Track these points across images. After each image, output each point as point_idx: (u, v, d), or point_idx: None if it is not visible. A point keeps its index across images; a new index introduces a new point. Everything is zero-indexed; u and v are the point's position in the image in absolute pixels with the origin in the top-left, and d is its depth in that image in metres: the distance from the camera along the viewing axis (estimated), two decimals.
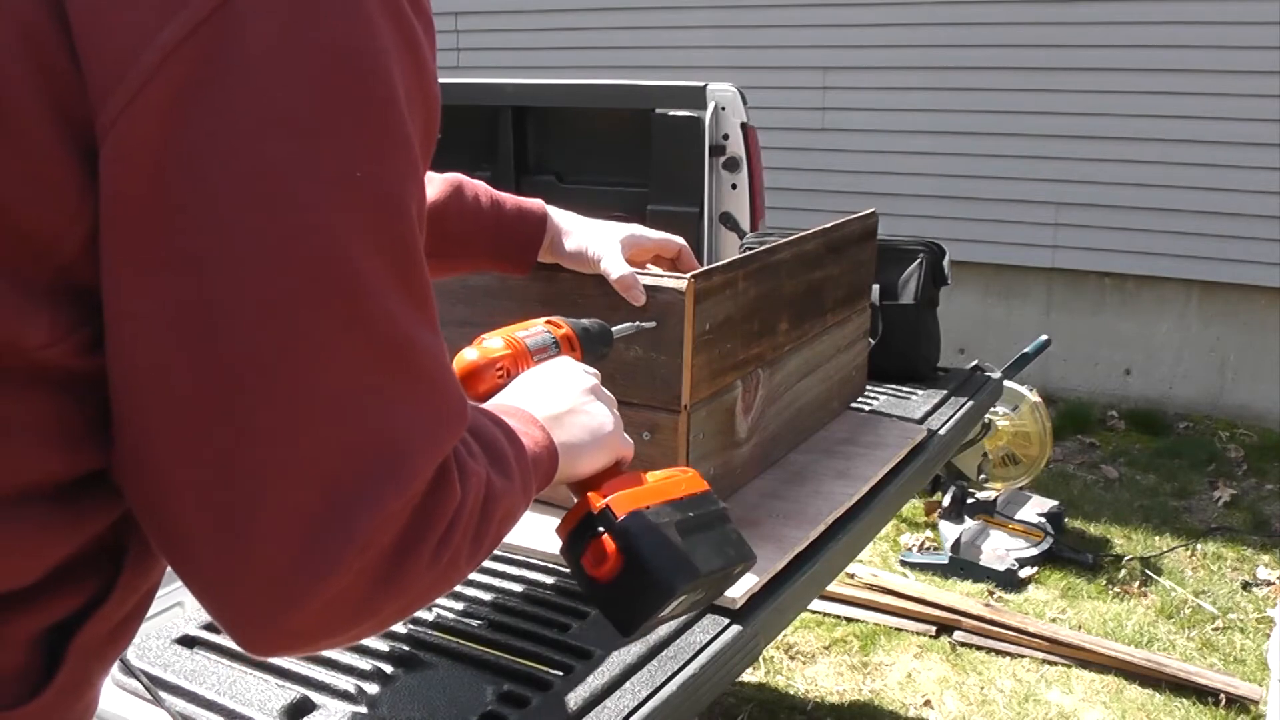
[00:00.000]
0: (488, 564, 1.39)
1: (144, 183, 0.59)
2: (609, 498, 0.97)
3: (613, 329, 1.27)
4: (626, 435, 1.07)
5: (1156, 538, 3.80)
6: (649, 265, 1.51)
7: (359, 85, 0.63)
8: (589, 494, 0.98)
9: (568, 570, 1.38)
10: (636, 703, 1.12)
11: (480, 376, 1.07)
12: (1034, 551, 3.55)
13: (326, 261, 0.62)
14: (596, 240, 1.43)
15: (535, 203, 1.45)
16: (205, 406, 0.61)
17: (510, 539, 1.43)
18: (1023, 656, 3.02)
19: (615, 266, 1.40)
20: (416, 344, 0.66)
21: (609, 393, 1.08)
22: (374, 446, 0.64)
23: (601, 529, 0.95)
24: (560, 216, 1.47)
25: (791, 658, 3.06)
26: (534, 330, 1.14)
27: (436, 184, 1.35)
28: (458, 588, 1.32)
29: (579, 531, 0.97)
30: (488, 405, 0.99)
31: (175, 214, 0.59)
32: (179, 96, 0.58)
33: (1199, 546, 3.73)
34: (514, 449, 0.84)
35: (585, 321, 1.23)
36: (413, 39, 0.68)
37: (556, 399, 1.02)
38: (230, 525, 0.62)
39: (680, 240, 1.53)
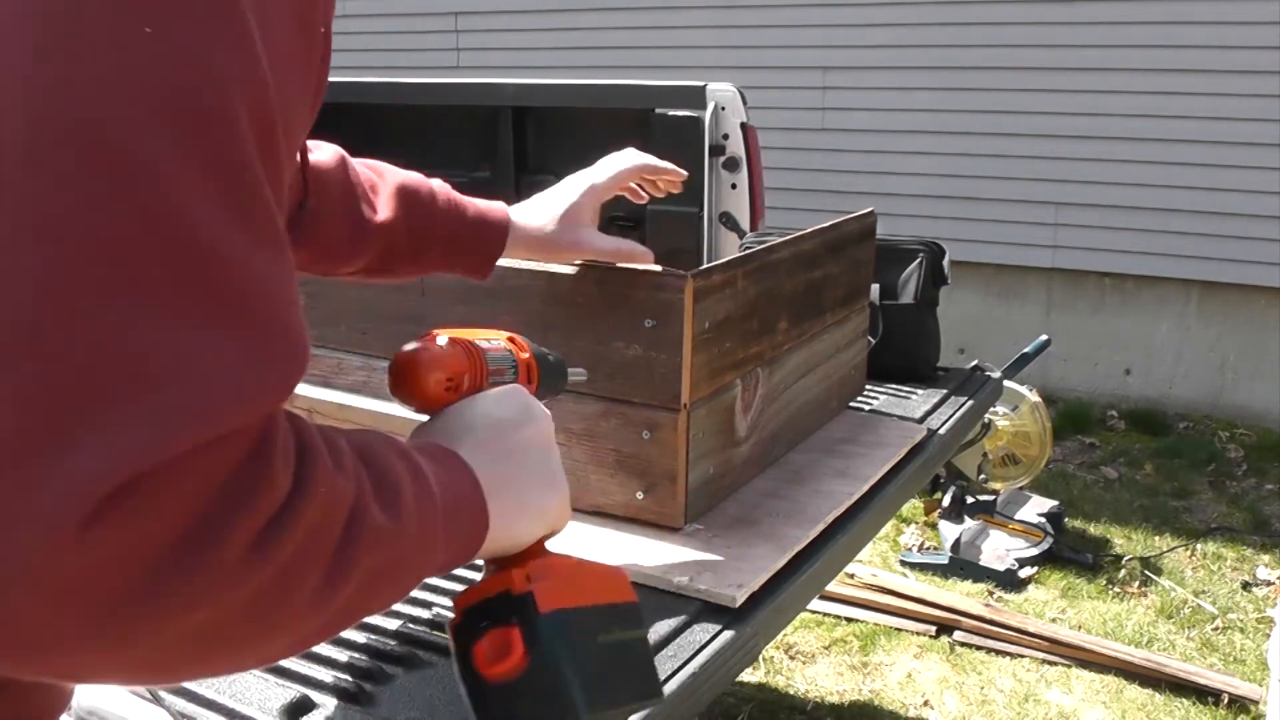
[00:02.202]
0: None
1: None
2: (536, 583, 0.78)
3: (567, 365, 1.11)
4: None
5: (1156, 538, 3.80)
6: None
7: None
8: (512, 569, 0.79)
9: None
10: None
11: (419, 380, 0.86)
12: (1034, 551, 3.54)
13: (125, 156, 0.47)
14: (564, 228, 1.38)
15: (497, 209, 1.36)
16: None
17: None
18: (1023, 656, 3.02)
19: (602, 243, 1.38)
20: (244, 283, 0.50)
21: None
22: (128, 368, 0.46)
23: (515, 619, 0.76)
24: (523, 214, 1.38)
25: (791, 658, 3.06)
26: (495, 344, 0.95)
27: (385, 196, 1.25)
28: (458, 586, 1.32)
29: (483, 611, 0.78)
30: (417, 438, 0.83)
31: None
32: None
33: (1199, 546, 3.73)
34: (416, 490, 0.67)
35: (547, 351, 1.06)
36: None
37: (505, 446, 0.82)
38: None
39: (630, 181, 1.55)
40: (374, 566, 0.61)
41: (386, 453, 0.67)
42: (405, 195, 1.27)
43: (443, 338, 0.90)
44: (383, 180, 1.27)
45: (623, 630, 0.83)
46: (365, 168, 1.28)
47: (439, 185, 1.31)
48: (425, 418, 0.88)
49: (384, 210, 1.25)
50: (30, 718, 0.66)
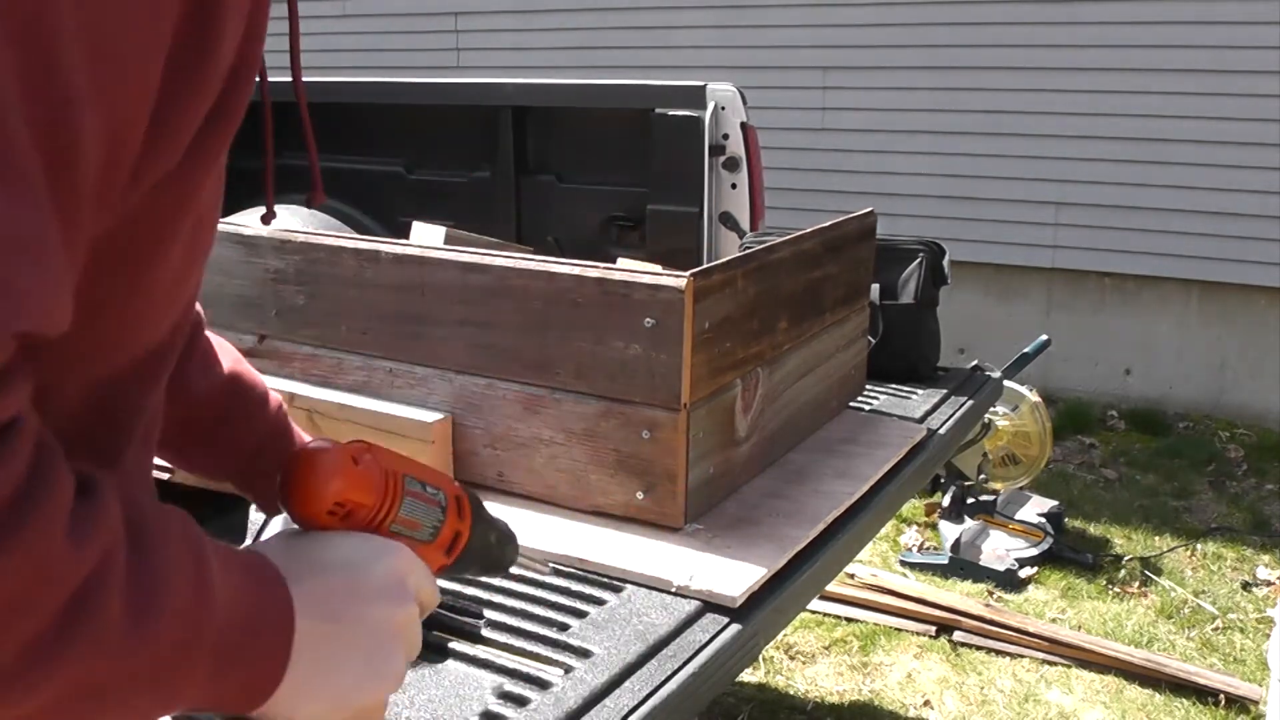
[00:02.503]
0: None
1: None
2: None
3: (519, 553, 0.93)
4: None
5: (1156, 538, 3.79)
6: (645, 263, 1.49)
7: None
8: None
9: (568, 570, 1.38)
10: (636, 702, 1.12)
11: (308, 487, 0.69)
12: (1034, 551, 3.54)
13: None
14: None
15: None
16: None
17: None
18: (1023, 656, 3.02)
19: None
20: None
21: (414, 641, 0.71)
22: None
23: None
24: None
25: (791, 658, 3.06)
26: (429, 492, 0.76)
27: (216, 380, 0.98)
28: (458, 585, 1.32)
29: None
30: (254, 545, 0.69)
31: None
32: None
33: (1199, 546, 3.73)
34: (189, 597, 0.54)
35: (500, 525, 0.89)
36: None
37: (352, 611, 0.65)
38: None
39: None
40: (84, 679, 0.49)
41: (171, 538, 0.55)
42: (236, 377, 1.00)
43: (368, 455, 0.72)
44: (222, 350, 1.01)
45: None
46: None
47: (275, 396, 1.03)
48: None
49: (211, 380, 0.98)
50: None
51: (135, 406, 0.67)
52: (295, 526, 0.70)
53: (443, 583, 1.32)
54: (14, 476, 0.45)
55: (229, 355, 1.01)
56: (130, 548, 0.51)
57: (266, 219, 0.93)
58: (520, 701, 1.10)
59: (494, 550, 0.87)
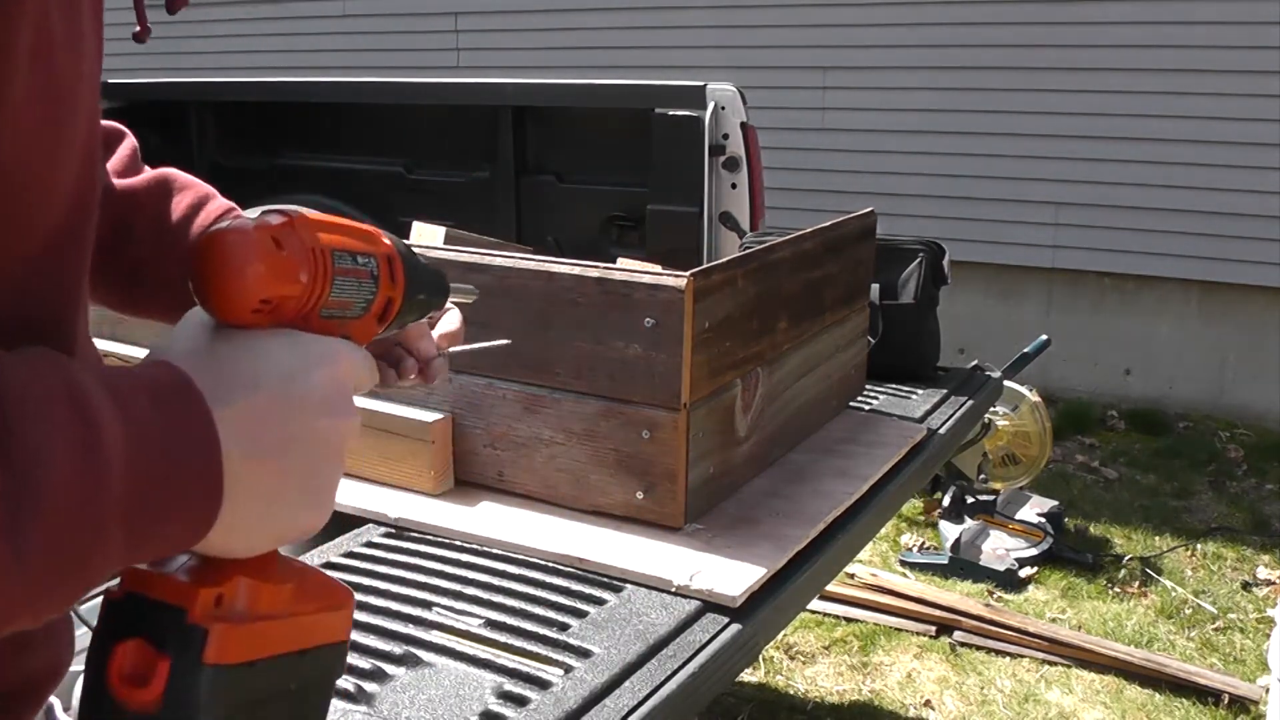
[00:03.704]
0: (488, 563, 1.39)
1: None
2: (218, 622, 0.56)
3: (451, 291, 0.82)
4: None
5: (1156, 538, 3.79)
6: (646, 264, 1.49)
7: None
8: (201, 585, 0.56)
9: (568, 570, 1.39)
10: (636, 702, 1.12)
11: (230, 281, 0.57)
12: (1034, 551, 3.54)
13: None
14: None
15: None
16: None
17: (510, 538, 1.44)
18: (1023, 656, 3.02)
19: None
20: None
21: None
22: None
23: (171, 650, 0.55)
24: None
25: (791, 658, 3.06)
26: (357, 255, 0.65)
27: (142, 176, 0.91)
28: (457, 586, 1.32)
29: (146, 609, 0.56)
30: (162, 356, 0.56)
31: None
32: None
33: (1199, 546, 3.73)
34: (82, 469, 0.45)
35: (426, 261, 0.76)
36: None
37: (288, 431, 0.56)
38: None
39: None
40: None
41: (33, 399, 0.45)
42: (169, 180, 0.91)
43: (290, 231, 0.59)
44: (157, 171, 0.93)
45: (304, 681, 0.63)
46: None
47: (224, 202, 0.93)
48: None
49: (137, 179, 0.90)
50: (37, 672, 0.61)
51: (60, 296, 0.59)
52: (209, 320, 0.58)
53: (442, 583, 1.32)
54: None
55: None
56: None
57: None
58: (520, 701, 1.10)
59: (426, 304, 0.76)
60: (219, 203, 0.90)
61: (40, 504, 0.43)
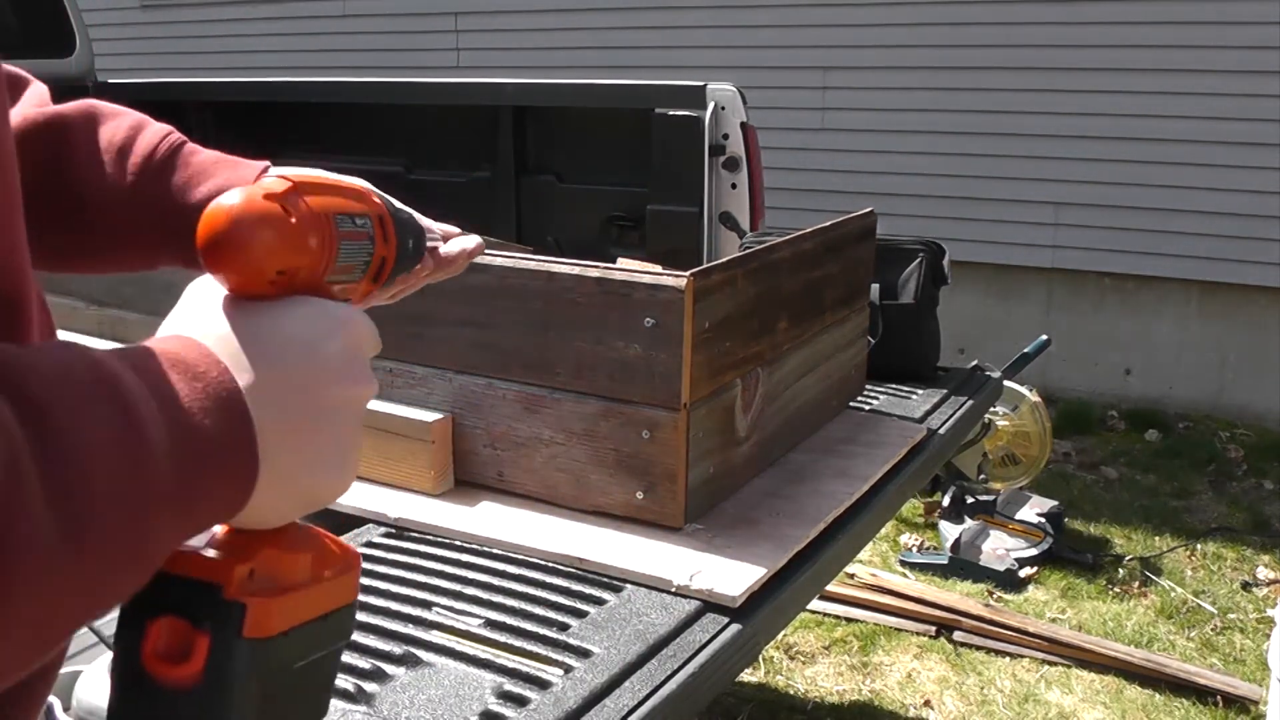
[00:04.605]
0: (488, 563, 1.39)
1: None
2: (253, 596, 0.56)
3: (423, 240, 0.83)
4: None
5: (1156, 538, 3.79)
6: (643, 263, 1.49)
7: None
8: (235, 559, 0.57)
9: (568, 570, 1.38)
10: (636, 702, 1.12)
11: (246, 256, 0.57)
12: (1034, 551, 3.54)
13: None
14: None
15: (253, 163, 0.89)
16: None
17: (510, 538, 1.44)
18: (1023, 656, 3.02)
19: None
20: None
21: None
22: None
23: (209, 625, 0.56)
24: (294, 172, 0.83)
25: (791, 658, 3.06)
26: (355, 217, 0.65)
27: (70, 105, 0.85)
28: (457, 586, 1.32)
29: (165, 598, 0.56)
30: (178, 332, 0.55)
31: None
32: None
33: (1199, 546, 3.73)
34: (129, 463, 0.45)
35: (408, 219, 0.78)
36: None
37: (312, 400, 0.56)
38: None
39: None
40: (34, 610, 0.42)
41: (78, 399, 0.45)
42: (98, 107, 0.87)
43: (298, 198, 0.59)
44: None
45: (323, 648, 0.64)
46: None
47: (164, 126, 0.88)
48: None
49: (63, 106, 0.85)
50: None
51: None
52: (221, 291, 0.58)
53: (442, 583, 1.32)
54: None
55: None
56: (32, 441, 0.42)
57: None
58: (520, 701, 1.10)
59: (413, 259, 0.77)
60: (157, 126, 0.86)
61: (94, 503, 0.43)
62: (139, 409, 0.46)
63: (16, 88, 0.84)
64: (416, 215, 0.82)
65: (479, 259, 1.42)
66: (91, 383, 0.46)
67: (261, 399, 0.53)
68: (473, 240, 0.91)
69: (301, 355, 0.56)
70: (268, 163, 0.88)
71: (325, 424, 0.57)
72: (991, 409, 3.24)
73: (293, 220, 0.59)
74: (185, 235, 0.70)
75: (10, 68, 0.75)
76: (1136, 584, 3.45)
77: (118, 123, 0.85)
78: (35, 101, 0.84)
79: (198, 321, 0.56)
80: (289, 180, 0.60)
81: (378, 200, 0.69)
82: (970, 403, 2.17)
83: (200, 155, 0.85)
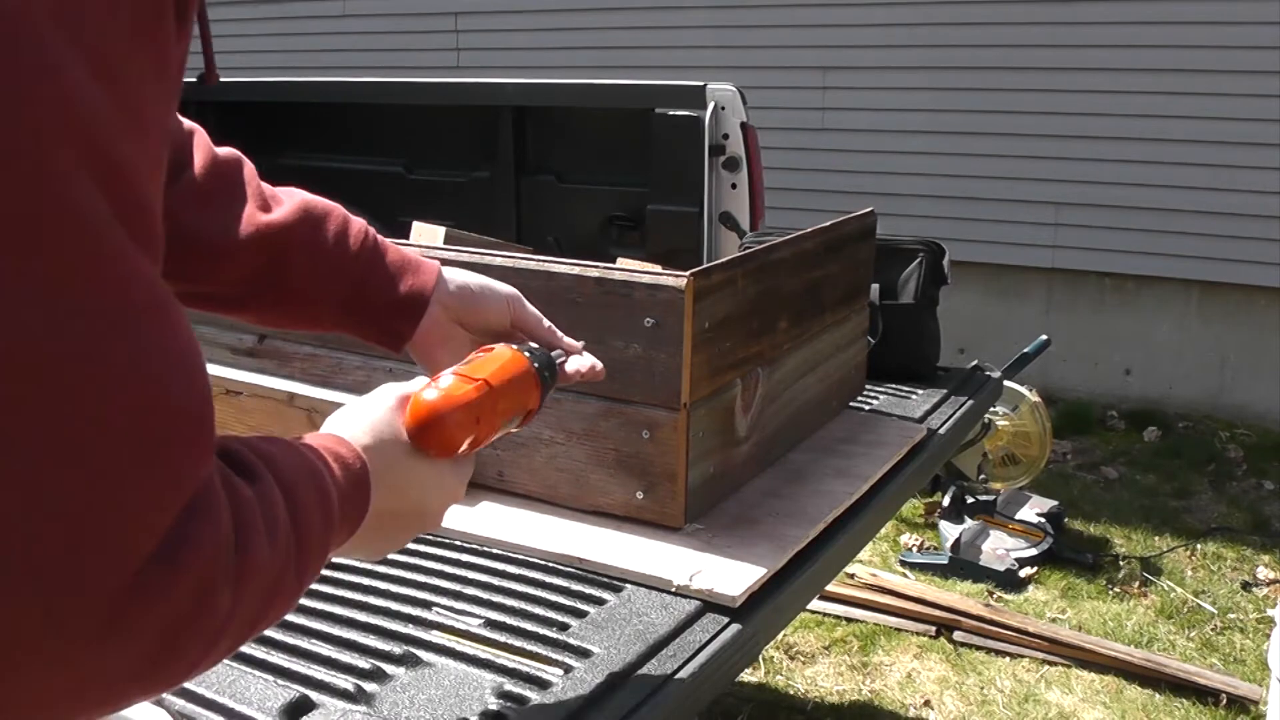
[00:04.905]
0: (488, 563, 1.39)
1: None
2: None
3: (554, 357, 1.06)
4: None
5: (1156, 538, 3.79)
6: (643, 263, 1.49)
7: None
8: None
9: (568, 570, 1.38)
10: (636, 702, 1.12)
11: (446, 438, 0.86)
12: (1034, 551, 3.54)
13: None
14: (496, 289, 1.13)
15: (427, 261, 1.10)
16: None
17: (510, 538, 1.44)
18: (1023, 656, 3.02)
19: (532, 315, 1.13)
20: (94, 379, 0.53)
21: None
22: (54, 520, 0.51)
23: None
24: (452, 273, 1.11)
25: (791, 658, 3.06)
26: (521, 388, 0.94)
27: (288, 203, 1.04)
28: (457, 586, 1.32)
29: None
30: (373, 444, 0.82)
31: None
32: None
33: (1199, 546, 3.73)
34: (326, 532, 0.73)
35: (546, 359, 1.02)
36: (97, 45, 0.53)
37: (402, 524, 0.88)
38: None
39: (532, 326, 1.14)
40: (278, 614, 0.70)
41: (313, 505, 0.71)
42: (311, 208, 1.05)
43: (488, 404, 0.89)
44: (288, 192, 1.05)
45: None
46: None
47: (358, 219, 1.08)
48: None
49: (281, 212, 1.03)
50: None
51: None
52: (405, 437, 0.86)
53: (442, 583, 1.32)
54: (224, 527, 0.59)
55: (286, 191, 1.05)
56: (291, 514, 0.68)
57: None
58: (520, 701, 1.10)
59: (551, 379, 1.02)
60: (358, 224, 1.07)
61: (310, 554, 0.70)
62: (331, 500, 0.74)
63: (188, 138, 1.01)
64: (554, 331, 1.13)
65: (479, 259, 1.46)
66: (313, 483, 0.73)
67: (377, 508, 0.81)
68: (588, 362, 1.13)
69: (413, 506, 0.87)
70: (438, 264, 1.10)
71: (397, 534, 0.89)
72: (991, 409, 3.24)
73: (479, 424, 0.88)
74: (368, 323, 1.07)
75: (181, 120, 0.99)
76: (1136, 584, 3.45)
77: (326, 225, 1.04)
78: (201, 147, 1.02)
79: (379, 442, 0.83)
80: (482, 384, 0.89)
81: (539, 389, 0.98)
82: (970, 403, 2.17)
83: (389, 257, 1.07)
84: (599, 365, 1.14)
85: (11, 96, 0.49)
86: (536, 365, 0.97)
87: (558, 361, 1.06)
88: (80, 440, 0.51)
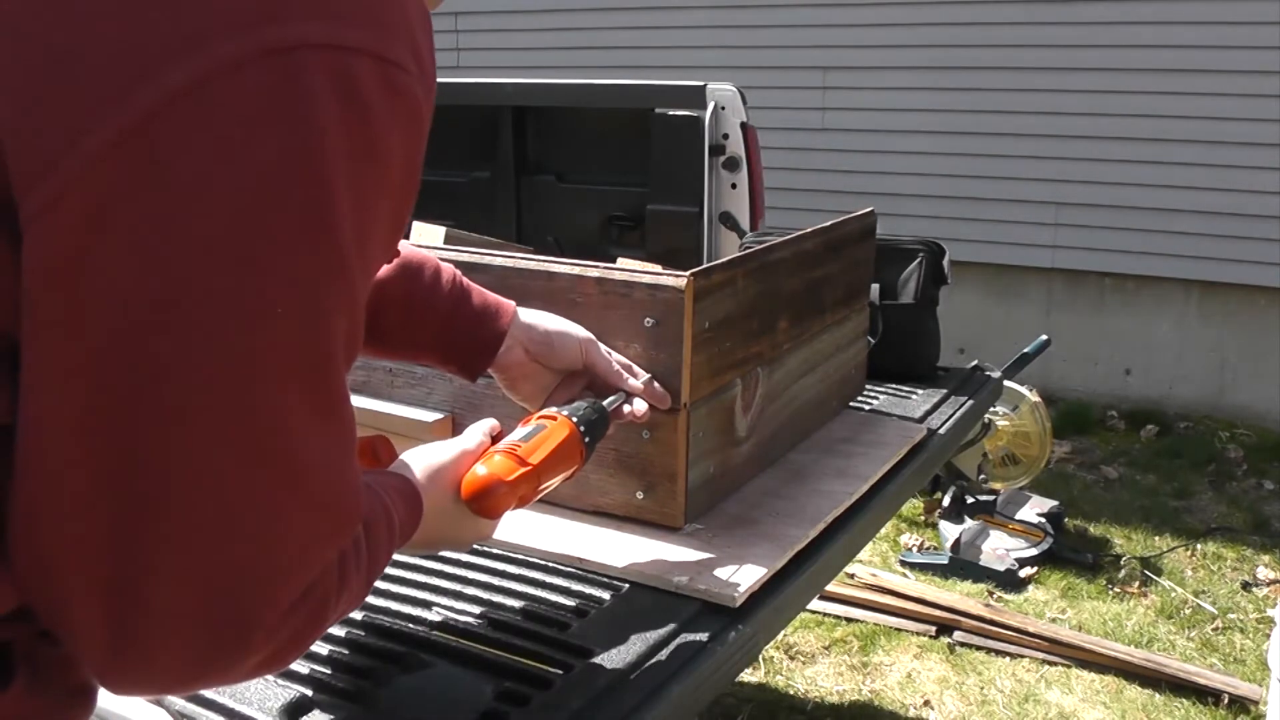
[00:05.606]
0: (488, 563, 1.39)
1: (60, 291, 0.58)
2: None
3: (606, 406, 1.25)
4: None
5: (1156, 538, 3.79)
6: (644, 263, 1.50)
7: (292, 215, 0.61)
8: None
9: (568, 570, 1.38)
10: (636, 702, 1.12)
11: (499, 506, 1.08)
12: (1034, 551, 3.54)
13: (234, 392, 0.63)
14: (571, 335, 1.30)
15: (506, 304, 1.28)
16: (99, 509, 0.61)
17: (509, 538, 1.44)
18: (1023, 656, 3.02)
19: (605, 362, 1.31)
20: (312, 469, 0.68)
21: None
22: (258, 561, 0.67)
23: None
24: (528, 313, 1.29)
25: (791, 658, 3.06)
26: (563, 462, 1.14)
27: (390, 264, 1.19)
28: (457, 585, 1.33)
29: None
30: (433, 471, 1.05)
31: (86, 325, 0.59)
32: (99, 211, 0.57)
33: (1199, 546, 3.73)
34: (391, 547, 0.91)
35: (583, 406, 1.21)
36: (374, 144, 0.65)
37: (440, 539, 1.09)
38: (120, 628, 0.63)
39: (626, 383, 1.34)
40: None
41: (383, 540, 0.88)
42: (408, 262, 1.20)
43: (533, 477, 1.09)
44: None
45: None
46: None
47: (447, 265, 1.25)
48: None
49: (382, 271, 1.16)
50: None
51: None
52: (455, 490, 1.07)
53: (442, 583, 1.32)
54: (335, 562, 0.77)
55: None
56: (370, 544, 0.84)
57: None
58: (520, 701, 1.10)
59: (596, 437, 1.20)
60: (448, 272, 1.23)
61: (376, 568, 0.86)
62: (395, 530, 0.92)
63: None
64: (622, 374, 1.33)
65: (479, 259, 1.47)
66: (385, 518, 0.89)
67: (419, 535, 1.00)
68: (643, 407, 1.31)
69: (450, 537, 1.10)
70: (514, 306, 1.26)
71: (426, 551, 1.17)
72: (991, 409, 3.24)
73: (520, 495, 1.08)
74: (449, 360, 1.25)
75: None
76: (1136, 584, 3.45)
77: (420, 280, 1.20)
78: None
79: (437, 489, 1.04)
80: (530, 471, 1.09)
81: (583, 451, 1.16)
82: (970, 403, 2.17)
83: (473, 300, 1.24)
84: (659, 391, 1.34)
85: (315, 287, 0.65)
86: (583, 429, 1.15)
87: (614, 406, 1.24)
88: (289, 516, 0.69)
